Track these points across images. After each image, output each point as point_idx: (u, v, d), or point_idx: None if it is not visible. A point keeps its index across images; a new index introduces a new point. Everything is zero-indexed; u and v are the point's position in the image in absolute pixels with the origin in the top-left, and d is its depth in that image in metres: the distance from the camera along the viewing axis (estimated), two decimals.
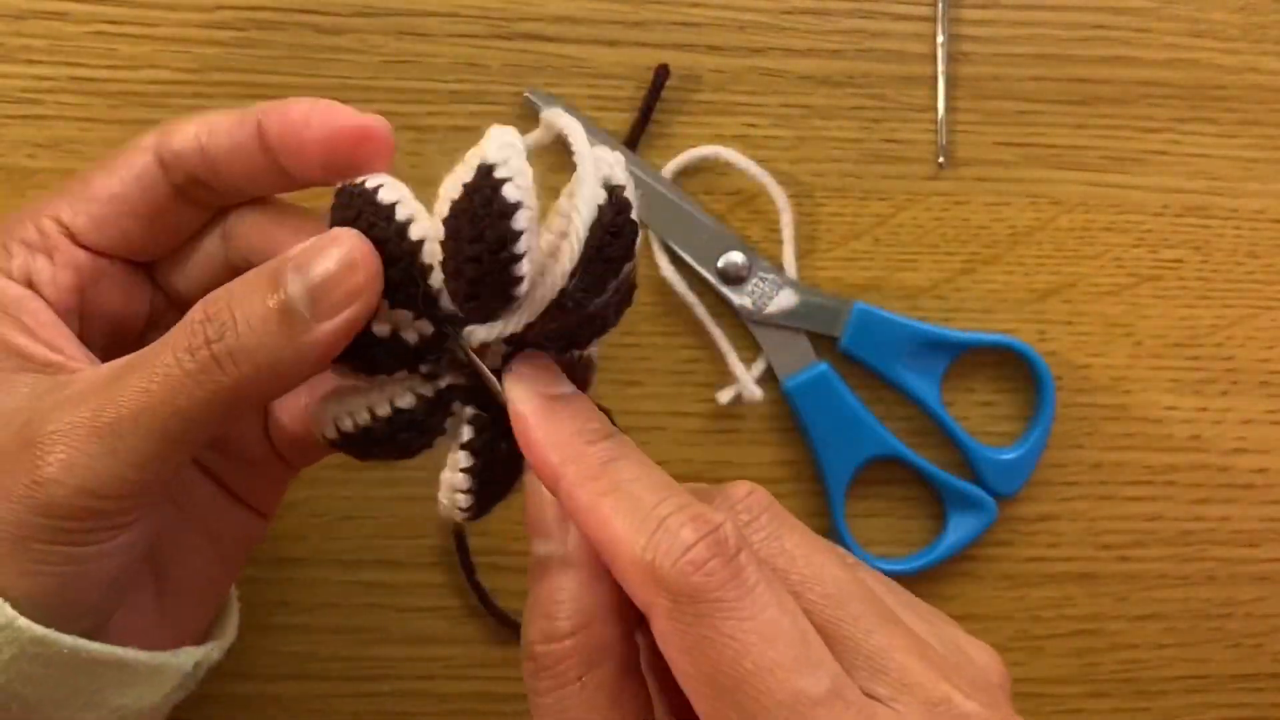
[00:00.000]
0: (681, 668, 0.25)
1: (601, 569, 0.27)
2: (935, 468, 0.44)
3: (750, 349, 0.44)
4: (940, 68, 0.44)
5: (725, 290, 0.43)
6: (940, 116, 0.44)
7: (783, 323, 0.43)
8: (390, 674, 0.43)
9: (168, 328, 0.29)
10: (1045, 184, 0.45)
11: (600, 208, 0.27)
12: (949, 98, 0.44)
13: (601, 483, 0.27)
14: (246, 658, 0.42)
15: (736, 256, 0.43)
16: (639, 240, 0.29)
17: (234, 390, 0.27)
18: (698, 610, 0.25)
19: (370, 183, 0.28)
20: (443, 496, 0.30)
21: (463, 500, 0.30)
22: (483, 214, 0.26)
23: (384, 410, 0.29)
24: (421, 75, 0.43)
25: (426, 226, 0.28)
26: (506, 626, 0.43)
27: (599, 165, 0.28)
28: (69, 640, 0.28)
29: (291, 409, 0.33)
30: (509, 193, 0.26)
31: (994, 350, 0.44)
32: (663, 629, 0.25)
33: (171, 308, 0.33)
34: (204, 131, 0.31)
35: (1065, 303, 0.45)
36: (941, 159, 0.44)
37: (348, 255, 0.27)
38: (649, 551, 0.25)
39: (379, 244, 0.27)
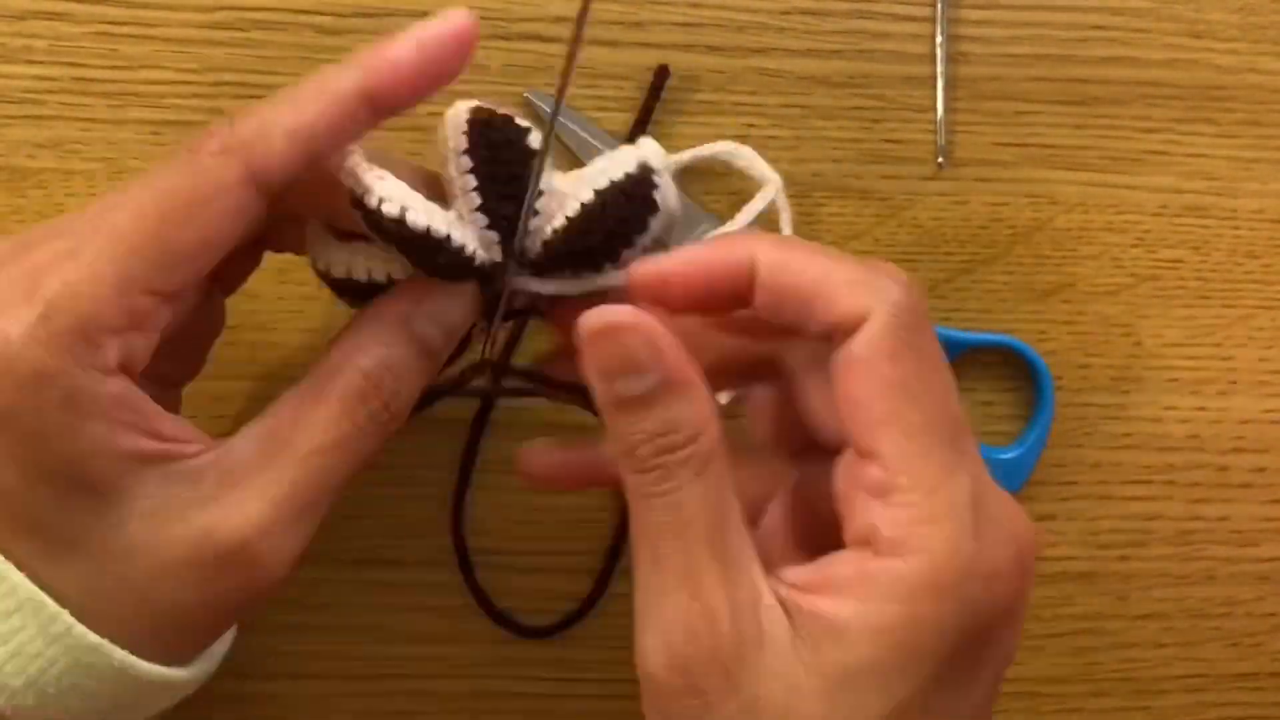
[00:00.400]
0: (878, 372, 0.28)
1: (699, 381, 0.29)
2: None
3: None
4: (939, 68, 0.44)
5: None
6: (939, 117, 0.44)
7: None
8: (391, 673, 0.43)
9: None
10: (1044, 184, 0.45)
11: (626, 174, 0.32)
12: (948, 98, 0.45)
13: (796, 245, 0.30)
14: (246, 658, 0.42)
15: None
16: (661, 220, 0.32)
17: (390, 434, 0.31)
18: (911, 319, 0.28)
19: (388, 209, 0.30)
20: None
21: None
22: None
23: (360, 275, 0.31)
24: None
25: (441, 216, 0.31)
26: (505, 626, 0.43)
27: (642, 145, 0.32)
28: (119, 654, 0.28)
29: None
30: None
31: (994, 350, 0.45)
32: (873, 335, 0.28)
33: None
34: (299, 134, 0.29)
35: (1064, 303, 0.45)
36: (940, 159, 0.44)
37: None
38: (868, 273, 0.29)
39: (439, 266, 0.31)
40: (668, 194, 0.32)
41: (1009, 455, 0.44)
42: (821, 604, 0.28)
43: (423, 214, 0.30)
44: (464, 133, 0.31)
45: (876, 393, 0.28)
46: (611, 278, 0.32)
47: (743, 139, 0.44)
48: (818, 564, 0.29)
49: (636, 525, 0.29)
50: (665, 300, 0.30)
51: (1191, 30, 0.45)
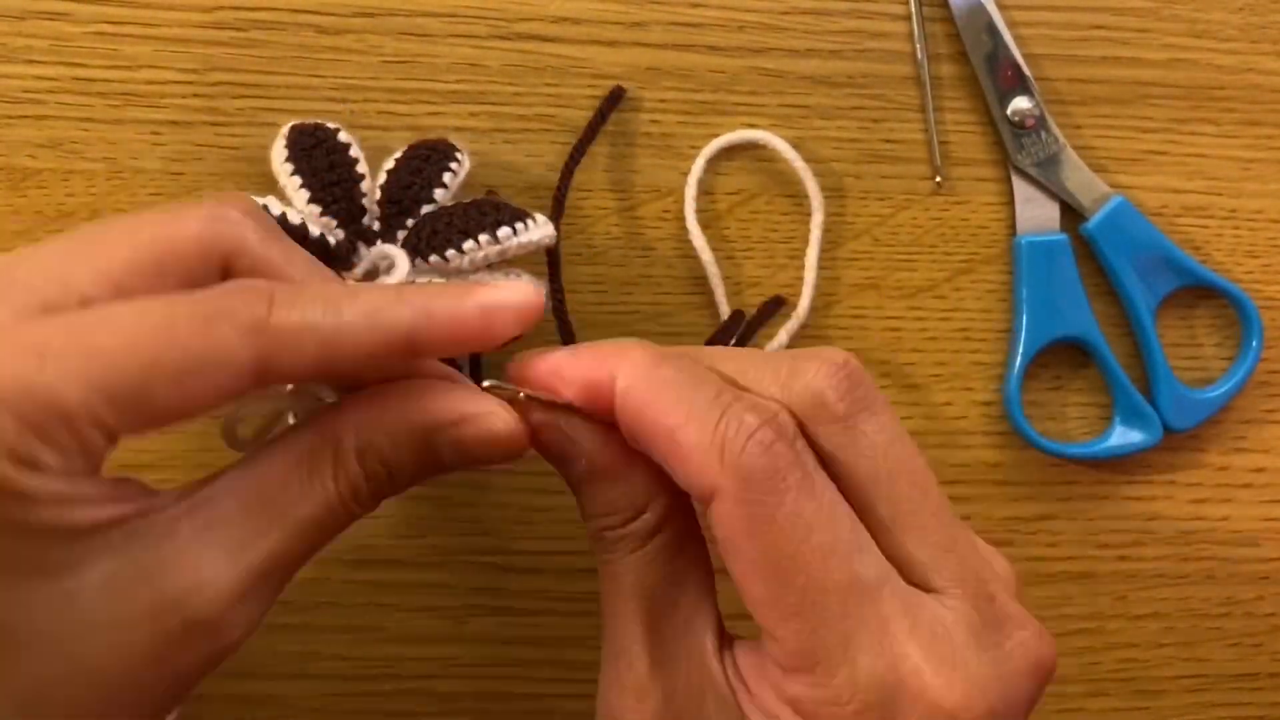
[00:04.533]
0: (742, 551, 0.26)
1: (638, 464, 0.29)
2: (1122, 370, 0.44)
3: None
4: (925, 75, 0.44)
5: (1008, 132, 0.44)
6: (932, 138, 0.44)
7: (1044, 182, 0.44)
8: (391, 673, 0.43)
9: None
10: None
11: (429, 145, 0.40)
12: (945, 99, 0.45)
13: (654, 379, 0.27)
14: (246, 658, 0.42)
15: (1024, 103, 0.44)
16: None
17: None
18: (764, 489, 0.25)
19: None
20: None
21: None
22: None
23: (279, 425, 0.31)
24: (421, 75, 0.43)
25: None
26: None
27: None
28: None
29: None
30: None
31: (1217, 295, 0.45)
32: (726, 512, 0.26)
33: None
34: (330, 350, 0.26)
35: None
36: (939, 179, 0.44)
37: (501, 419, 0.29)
38: (716, 435, 0.26)
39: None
40: (464, 164, 0.39)
41: (1195, 394, 0.45)
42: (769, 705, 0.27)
43: (274, 205, 0.36)
44: (284, 144, 0.38)
45: (747, 572, 0.26)
46: (465, 263, 0.37)
47: None
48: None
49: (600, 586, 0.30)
50: (558, 394, 0.29)
51: (1192, 30, 0.45)
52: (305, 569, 0.43)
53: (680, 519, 0.30)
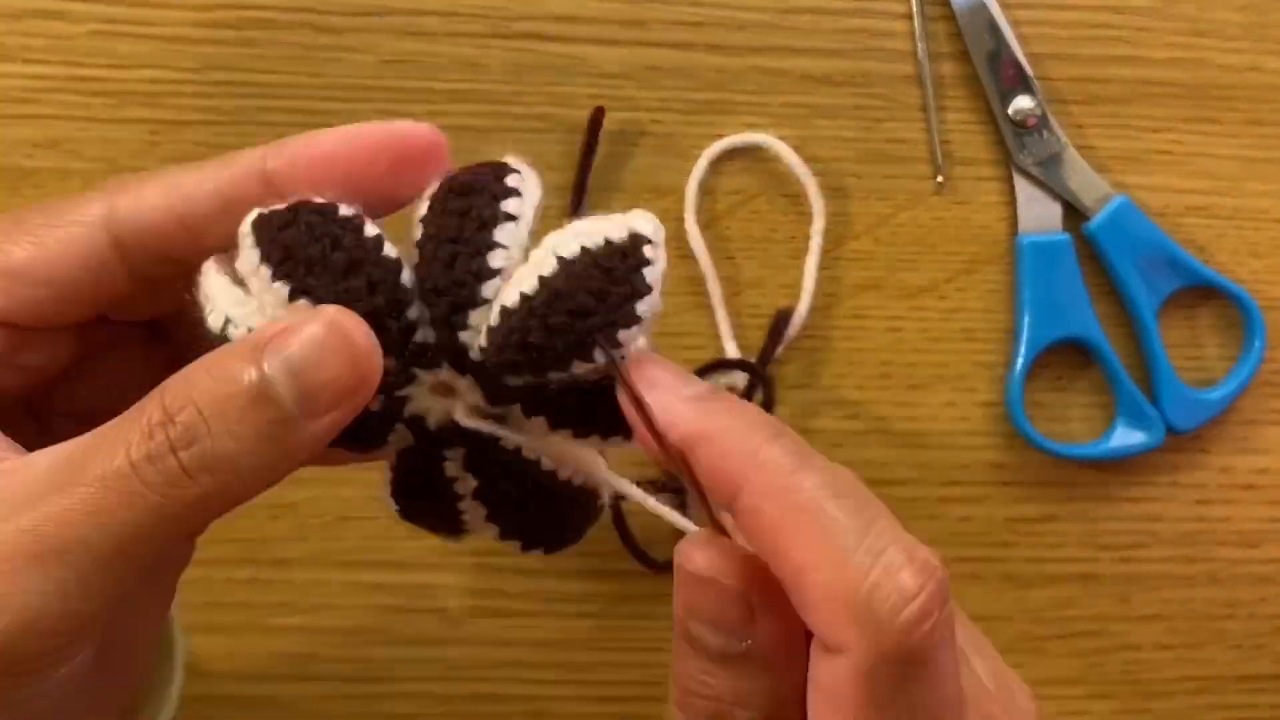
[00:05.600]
0: (844, 715, 0.22)
1: (795, 662, 0.23)
2: (1124, 371, 0.44)
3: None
4: (927, 74, 0.44)
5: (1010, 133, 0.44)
6: (935, 138, 0.44)
7: (1047, 181, 0.44)
8: (391, 675, 0.43)
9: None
10: None
11: (608, 241, 0.24)
12: (946, 98, 0.44)
13: (791, 495, 0.22)
14: (246, 658, 0.42)
15: (1026, 102, 0.44)
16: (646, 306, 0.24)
17: (204, 500, 0.22)
18: (906, 669, 0.21)
19: (339, 210, 0.23)
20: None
21: (515, 546, 0.27)
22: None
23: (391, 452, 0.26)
24: (421, 75, 0.43)
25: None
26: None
27: (629, 218, 0.25)
28: None
29: None
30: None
31: (1220, 295, 0.45)
32: (845, 679, 0.22)
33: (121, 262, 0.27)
34: (176, 199, 0.25)
35: None
36: (940, 178, 0.44)
37: (351, 346, 0.23)
38: (865, 593, 0.21)
39: (371, 289, 0.23)
40: (659, 274, 0.24)
41: (1197, 394, 0.44)
42: None
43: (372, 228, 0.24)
44: (250, 244, 0.24)
45: None
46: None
47: None
48: None
49: None
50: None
51: (1195, 29, 0.45)
52: (305, 569, 0.43)
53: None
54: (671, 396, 0.24)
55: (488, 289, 0.24)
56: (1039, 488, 0.45)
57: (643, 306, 0.24)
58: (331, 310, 0.23)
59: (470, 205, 0.24)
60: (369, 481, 0.42)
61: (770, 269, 0.44)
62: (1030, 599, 0.45)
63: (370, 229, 0.24)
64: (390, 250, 0.24)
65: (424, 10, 0.43)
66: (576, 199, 0.42)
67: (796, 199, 0.44)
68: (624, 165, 0.43)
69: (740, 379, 0.42)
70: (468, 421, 0.25)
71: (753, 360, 0.43)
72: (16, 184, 0.41)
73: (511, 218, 0.24)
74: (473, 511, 0.27)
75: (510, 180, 0.25)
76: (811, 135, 0.44)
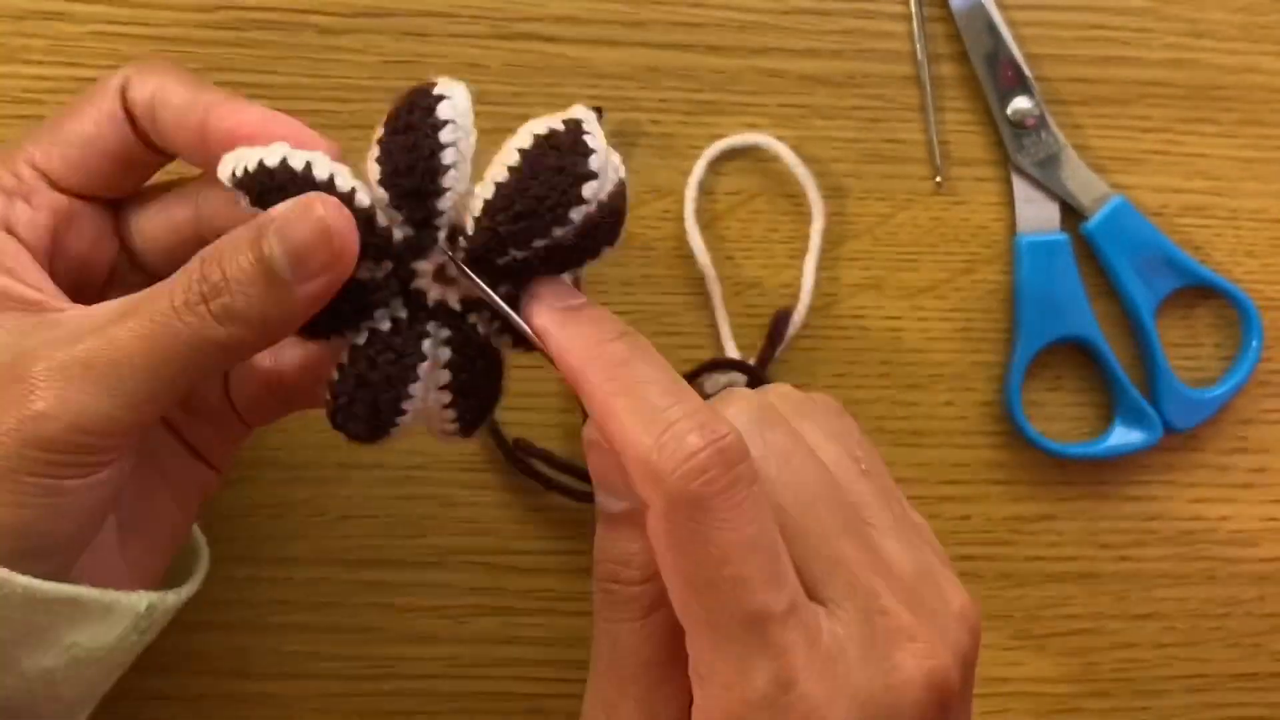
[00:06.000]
0: (666, 562, 0.27)
1: None
2: (1122, 370, 0.44)
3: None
4: (925, 75, 0.44)
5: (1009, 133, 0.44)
6: (933, 136, 0.44)
7: (1045, 181, 0.44)
8: (391, 673, 0.43)
9: (130, 286, 0.31)
10: None
11: (551, 131, 0.30)
12: (945, 99, 0.45)
13: (617, 382, 0.28)
14: (246, 658, 0.42)
15: (1025, 103, 0.44)
16: (610, 186, 0.30)
17: (225, 344, 0.28)
18: (690, 514, 0.26)
19: (294, 160, 0.29)
20: (432, 420, 0.31)
21: (450, 417, 0.31)
22: (418, 124, 0.30)
23: (362, 338, 0.30)
24: (421, 75, 0.42)
25: (358, 184, 0.30)
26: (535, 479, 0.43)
27: (573, 112, 0.30)
28: (22, 581, 0.28)
29: (252, 370, 0.34)
30: (441, 110, 0.30)
31: (1218, 295, 0.45)
32: (654, 525, 0.27)
33: (134, 269, 0.34)
34: (160, 96, 0.32)
35: None
36: (939, 178, 0.44)
37: (324, 222, 0.28)
38: (654, 452, 0.26)
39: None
40: (600, 142, 0.30)
41: (1195, 393, 0.45)
42: None
43: (325, 167, 0.29)
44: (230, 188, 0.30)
45: (667, 577, 0.27)
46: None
47: None
48: None
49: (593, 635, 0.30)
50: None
51: (1192, 30, 0.45)
52: (305, 569, 0.43)
53: None
54: (543, 307, 0.30)
55: (447, 179, 0.30)
56: (1037, 486, 0.45)
57: (595, 163, 0.29)
58: (308, 196, 0.29)
59: (414, 141, 0.30)
60: (369, 480, 0.43)
61: (770, 269, 0.44)
62: (1028, 597, 0.45)
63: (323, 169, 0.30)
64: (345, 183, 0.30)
65: (424, 11, 0.43)
66: None
67: (796, 199, 0.44)
68: (624, 165, 0.43)
69: (740, 379, 0.43)
70: (478, 281, 0.30)
71: (752, 361, 0.43)
72: None
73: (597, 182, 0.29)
74: (426, 394, 0.31)
75: (442, 111, 0.31)
76: (810, 135, 0.44)
